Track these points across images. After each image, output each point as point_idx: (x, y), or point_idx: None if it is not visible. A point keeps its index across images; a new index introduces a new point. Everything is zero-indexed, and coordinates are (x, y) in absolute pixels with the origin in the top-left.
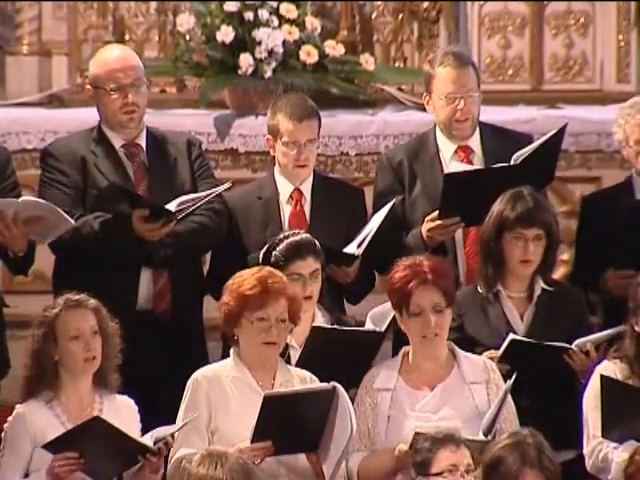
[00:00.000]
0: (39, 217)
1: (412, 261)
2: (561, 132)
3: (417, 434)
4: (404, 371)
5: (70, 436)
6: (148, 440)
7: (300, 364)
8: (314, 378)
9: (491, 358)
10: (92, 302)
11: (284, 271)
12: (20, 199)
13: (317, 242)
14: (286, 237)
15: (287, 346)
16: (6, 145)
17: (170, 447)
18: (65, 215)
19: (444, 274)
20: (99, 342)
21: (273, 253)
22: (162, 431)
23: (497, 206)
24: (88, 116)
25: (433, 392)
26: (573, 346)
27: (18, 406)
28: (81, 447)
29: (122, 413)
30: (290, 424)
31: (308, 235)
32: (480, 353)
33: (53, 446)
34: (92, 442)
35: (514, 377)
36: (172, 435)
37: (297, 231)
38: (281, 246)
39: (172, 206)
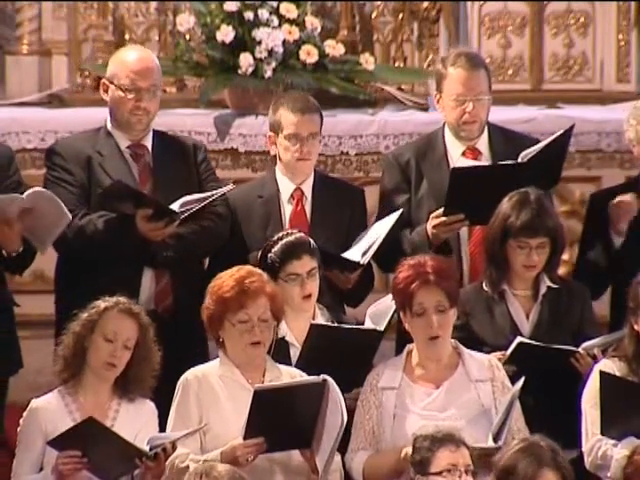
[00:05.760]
0: (32, 210)
1: (416, 261)
2: (568, 133)
3: (417, 435)
4: (409, 369)
5: (70, 435)
6: (145, 445)
7: (299, 363)
8: (304, 375)
9: (498, 359)
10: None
11: (281, 273)
12: (24, 194)
13: (312, 240)
14: (280, 238)
15: (287, 344)
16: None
17: (169, 454)
18: (63, 206)
19: (447, 274)
20: (127, 355)
21: (268, 255)
22: (159, 437)
23: (503, 208)
24: (88, 116)
25: (438, 390)
26: (580, 349)
27: (33, 400)
28: (83, 446)
29: (141, 418)
30: (281, 418)
31: (302, 234)
32: (487, 353)
33: (57, 443)
34: (91, 442)
35: (522, 380)
36: (172, 442)
37: (290, 231)
38: (276, 248)
39: (176, 206)
